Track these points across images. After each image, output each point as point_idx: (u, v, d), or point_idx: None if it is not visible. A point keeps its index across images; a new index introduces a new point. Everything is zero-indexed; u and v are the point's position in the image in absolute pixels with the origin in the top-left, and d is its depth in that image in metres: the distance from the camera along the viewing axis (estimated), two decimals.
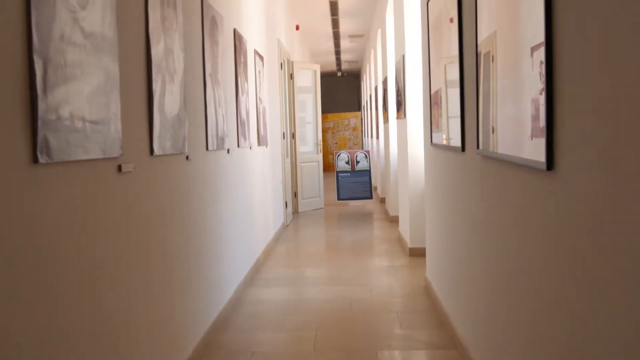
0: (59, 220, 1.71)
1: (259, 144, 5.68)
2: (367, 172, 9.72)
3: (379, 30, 9.01)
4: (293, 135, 8.84)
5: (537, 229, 1.75)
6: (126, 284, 2.21)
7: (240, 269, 4.53)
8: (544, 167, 1.60)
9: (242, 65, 4.80)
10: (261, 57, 6.03)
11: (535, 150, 1.70)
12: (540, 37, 1.62)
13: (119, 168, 2.13)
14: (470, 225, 2.76)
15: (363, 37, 12.58)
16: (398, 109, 6.19)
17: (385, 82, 7.93)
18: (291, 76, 8.79)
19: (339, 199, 9.68)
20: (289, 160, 8.44)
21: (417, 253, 5.52)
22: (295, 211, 9.00)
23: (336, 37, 12.37)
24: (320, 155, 9.68)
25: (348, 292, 4.42)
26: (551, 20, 1.56)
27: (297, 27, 10.38)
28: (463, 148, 2.87)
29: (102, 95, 1.96)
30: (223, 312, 3.81)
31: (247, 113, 5.02)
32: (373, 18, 10.50)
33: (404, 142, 5.85)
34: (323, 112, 19.89)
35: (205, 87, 3.51)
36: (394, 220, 7.74)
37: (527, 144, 1.78)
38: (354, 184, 9.67)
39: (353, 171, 9.71)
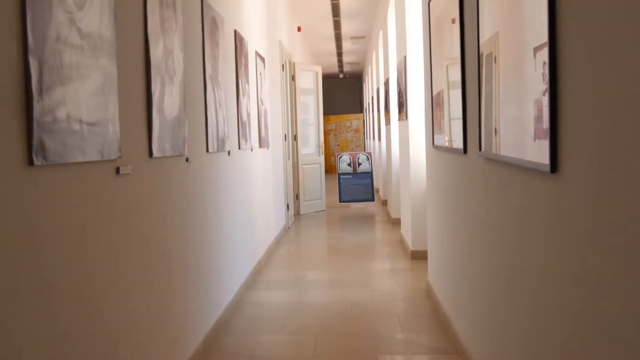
0: (56, 222, 1.69)
1: (260, 145, 5.66)
2: (369, 174, 9.70)
3: (381, 32, 9.00)
4: (295, 137, 8.82)
5: (540, 232, 1.72)
6: (125, 286, 2.19)
7: (241, 271, 4.50)
8: (548, 169, 1.57)
9: (243, 67, 4.78)
10: (262, 59, 6.02)
11: (538, 152, 1.67)
12: (544, 38, 1.60)
13: (117, 170, 2.11)
14: (472, 228, 2.73)
15: (365, 38, 12.57)
16: (400, 111, 6.17)
17: (387, 83, 7.91)
18: (293, 78, 8.77)
19: (340, 201, 9.66)
20: (290, 162, 8.42)
21: (419, 256, 5.49)
22: (297, 213, 8.98)
23: (338, 38, 12.36)
24: (322, 157, 9.66)
25: (349, 295, 4.39)
26: (555, 20, 1.54)
27: (299, 29, 10.37)
28: (465, 150, 2.84)
29: (99, 96, 1.94)
30: (224, 315, 3.79)
31: (248, 115, 5.00)
32: (375, 19, 10.49)
33: (405, 144, 5.82)
34: (325, 113, 19.88)
35: (205, 88, 3.49)
36: (396, 223, 7.71)
37: (530, 145, 1.75)
38: (356, 186, 9.65)
39: (355, 173, 9.68)
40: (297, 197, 8.93)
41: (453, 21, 3.03)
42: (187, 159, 3.07)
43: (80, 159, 1.80)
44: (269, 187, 6.29)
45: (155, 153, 2.52)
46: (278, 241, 6.73)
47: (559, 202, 1.56)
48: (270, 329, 3.68)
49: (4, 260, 1.44)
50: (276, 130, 7.12)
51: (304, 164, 9.09)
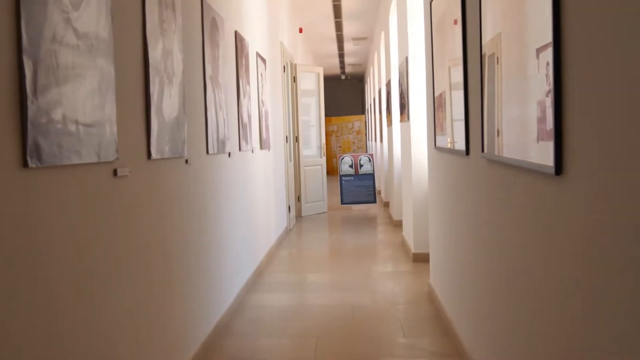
0: (51, 225, 1.66)
1: (261, 147, 5.64)
2: (371, 176, 9.67)
3: (382, 33, 8.97)
4: (296, 139, 8.79)
5: (542, 235, 1.69)
6: (124, 288, 2.16)
7: (242, 274, 4.47)
8: (552, 171, 1.54)
9: (243, 68, 4.75)
10: (263, 60, 5.99)
11: (542, 154, 1.65)
12: (547, 38, 1.57)
13: (115, 172, 2.09)
14: (474, 230, 2.70)
15: (367, 39, 12.54)
16: (401, 112, 6.14)
17: (388, 84, 7.88)
18: (294, 79, 8.75)
19: (342, 203, 9.63)
20: (292, 163, 8.40)
21: (421, 258, 5.46)
22: (299, 215, 8.95)
23: (340, 39, 12.34)
24: (324, 159, 9.63)
25: (350, 298, 4.36)
26: (559, 19, 1.51)
27: (301, 30, 10.34)
28: (467, 151, 2.81)
29: (96, 97, 1.91)
30: (224, 317, 3.76)
31: (249, 116, 4.98)
32: (376, 20, 10.46)
33: (407, 145, 5.79)
34: (327, 115, 19.85)
35: (205, 89, 3.46)
36: (398, 225, 7.68)
37: (533, 147, 1.73)
38: (358, 188, 9.61)
39: (357, 175, 9.65)
40: (298, 198, 8.90)
41: (455, 22, 3.01)
42: (186, 161, 3.04)
43: (77, 160, 1.77)
44: (270, 188, 6.26)
45: (154, 155, 2.49)
46: (279, 243, 6.70)
47: (563, 204, 1.53)
48: (271, 332, 3.65)
49: None
50: (277, 131, 7.09)
51: (305, 166, 9.06)
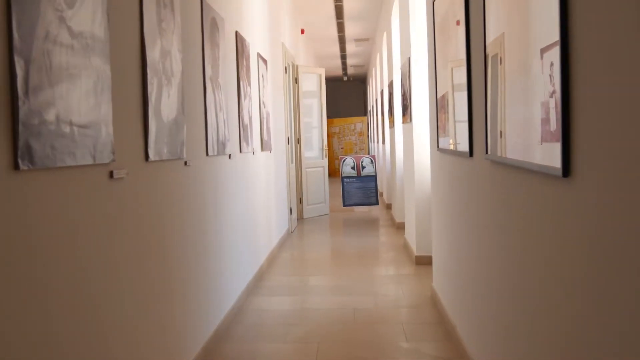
0: (44, 228, 1.62)
1: (262, 149, 5.60)
2: (373, 178, 9.62)
3: (385, 34, 8.93)
4: (298, 140, 8.75)
5: (548, 238, 1.65)
6: (123, 290, 2.12)
7: (243, 277, 4.43)
8: (560, 173, 1.50)
9: (244, 69, 4.71)
10: (265, 61, 5.96)
11: (546, 155, 1.61)
12: (551, 38, 1.53)
13: (111, 174, 2.04)
14: (478, 233, 2.66)
15: (369, 40, 12.51)
16: (404, 113, 6.10)
17: (390, 86, 7.84)
18: (296, 80, 8.71)
19: (344, 205, 9.58)
20: (293, 165, 8.36)
21: (424, 261, 5.41)
22: (300, 217, 8.90)
23: (342, 41, 12.30)
24: (326, 161, 9.59)
25: (352, 302, 4.31)
26: (567, 18, 1.47)
27: (302, 31, 10.31)
28: (471, 153, 2.77)
29: (92, 97, 1.87)
30: (225, 321, 3.72)
31: (250, 117, 4.94)
32: (379, 21, 10.43)
33: (409, 147, 5.75)
34: (329, 116, 19.81)
35: (205, 90, 3.42)
36: (400, 227, 7.63)
37: (537, 148, 1.69)
38: (360, 190, 9.57)
39: (359, 177, 9.61)
40: (300, 200, 8.86)
41: (458, 23, 2.97)
42: (185, 163, 3.00)
43: (71, 162, 1.73)
44: (271, 190, 6.22)
45: (152, 157, 2.45)
46: (281, 245, 6.65)
47: (570, 206, 1.48)
48: (272, 336, 3.61)
49: None
50: (279, 133, 7.05)
51: (307, 168, 9.02)
